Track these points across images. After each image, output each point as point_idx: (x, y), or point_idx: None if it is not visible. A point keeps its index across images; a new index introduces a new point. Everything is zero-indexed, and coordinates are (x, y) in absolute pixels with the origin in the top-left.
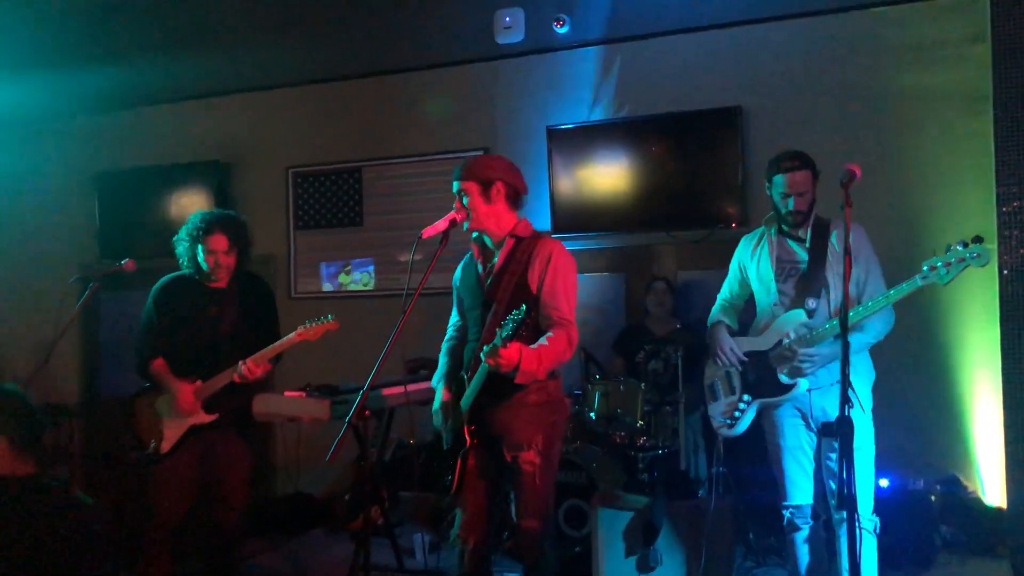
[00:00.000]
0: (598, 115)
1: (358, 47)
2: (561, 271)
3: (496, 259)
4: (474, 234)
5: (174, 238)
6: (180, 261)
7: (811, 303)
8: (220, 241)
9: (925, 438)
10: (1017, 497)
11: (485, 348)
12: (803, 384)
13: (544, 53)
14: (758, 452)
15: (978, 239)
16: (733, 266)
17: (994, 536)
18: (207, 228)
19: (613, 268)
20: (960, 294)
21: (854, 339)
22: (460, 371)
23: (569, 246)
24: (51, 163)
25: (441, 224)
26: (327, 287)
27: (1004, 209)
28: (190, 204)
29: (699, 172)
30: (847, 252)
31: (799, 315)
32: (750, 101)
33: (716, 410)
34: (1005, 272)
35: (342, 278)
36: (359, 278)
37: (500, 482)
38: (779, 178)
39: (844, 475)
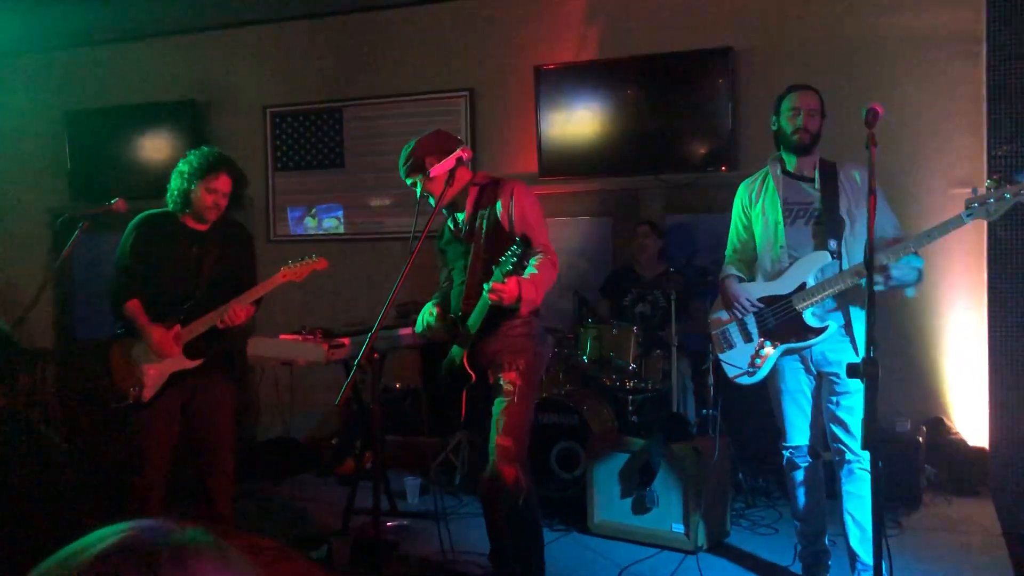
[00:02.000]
0: (586, 55)
1: None
2: (528, 203)
3: (465, 210)
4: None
5: (175, 171)
6: (171, 195)
7: (832, 244)
8: (225, 182)
9: (910, 381)
10: (999, 439)
11: (486, 286)
12: (833, 326)
13: None
14: (746, 395)
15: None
16: (735, 213)
17: (977, 477)
18: (215, 166)
19: (601, 212)
20: (946, 237)
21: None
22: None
23: (556, 189)
24: (19, 100)
25: (448, 162)
26: (296, 231)
27: (995, 153)
28: (164, 144)
29: (689, 115)
30: (872, 192)
31: (823, 257)
32: (742, 42)
33: (734, 358)
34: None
35: (308, 221)
36: (329, 224)
37: None
38: (789, 97)
39: (868, 417)
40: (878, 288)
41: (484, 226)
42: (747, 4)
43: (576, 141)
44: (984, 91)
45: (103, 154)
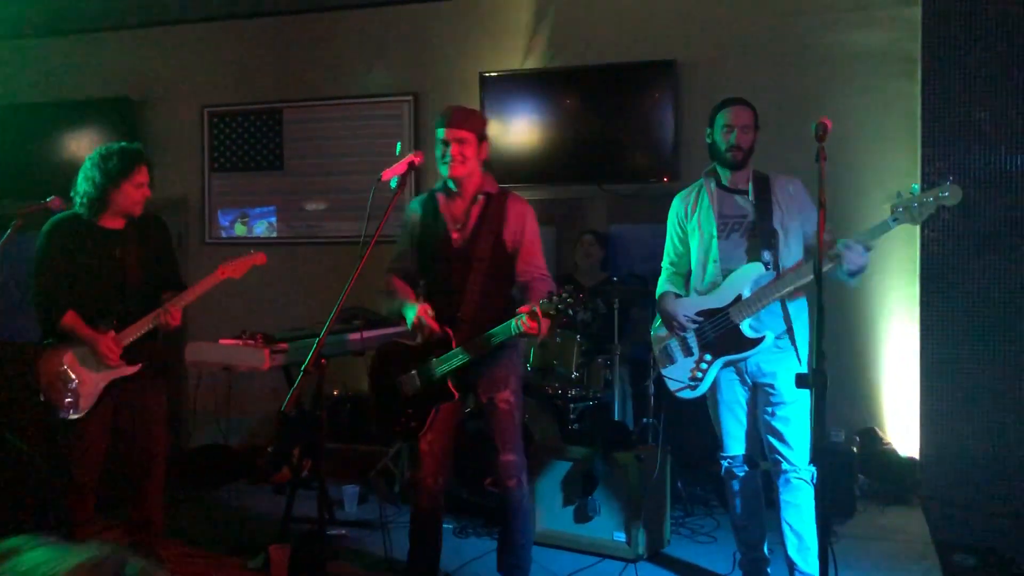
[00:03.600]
0: (532, 63)
1: None
2: (535, 229)
3: (469, 215)
4: (440, 183)
5: (83, 175)
6: (82, 199)
7: (766, 255)
8: (146, 174)
9: (844, 392)
10: (930, 449)
11: (517, 320)
12: (770, 336)
13: None
14: (685, 405)
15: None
16: (671, 226)
17: (908, 486)
18: (136, 162)
19: (544, 220)
20: (879, 251)
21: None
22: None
23: None
24: None
25: (400, 167)
26: (227, 235)
27: (928, 169)
28: (96, 142)
29: (632, 125)
30: (821, 205)
31: (756, 268)
32: (685, 55)
33: (675, 373)
34: (927, 231)
35: (237, 228)
36: (260, 230)
37: (461, 428)
38: (723, 113)
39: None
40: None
41: (492, 245)
42: (691, 18)
43: (520, 149)
44: (919, 108)
45: (31, 151)
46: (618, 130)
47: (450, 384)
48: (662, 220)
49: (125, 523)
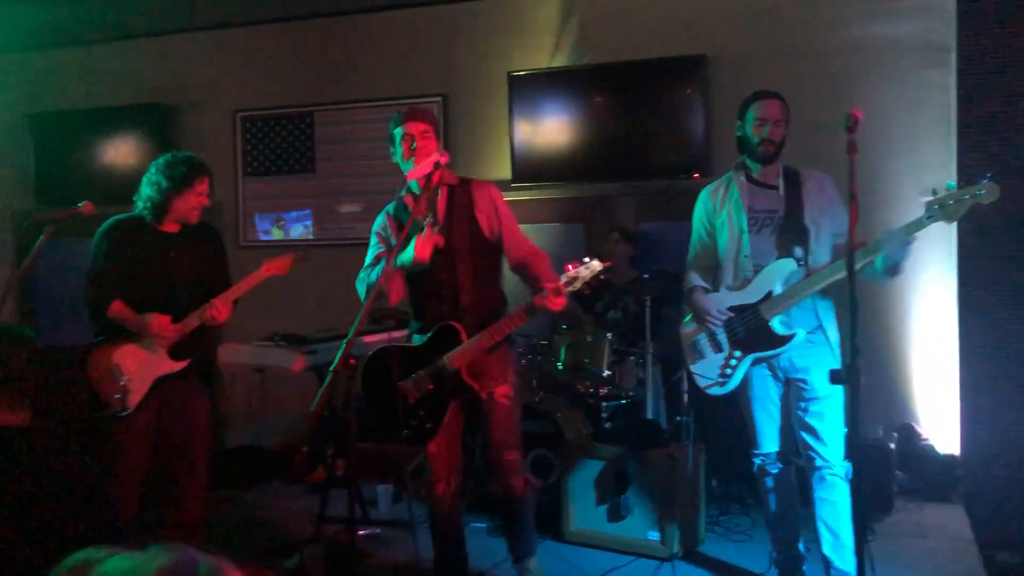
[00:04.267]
0: (560, 61)
1: None
2: (508, 210)
3: (436, 209)
4: (406, 186)
5: (148, 180)
6: (145, 203)
7: (798, 251)
8: (206, 184)
9: (880, 387)
10: (970, 445)
11: (540, 297)
12: (801, 333)
13: None
14: (718, 402)
15: (984, 176)
16: (698, 221)
17: (948, 482)
18: (200, 171)
19: (573, 218)
20: (917, 246)
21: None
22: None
23: (529, 196)
24: None
25: (426, 167)
26: (265, 239)
27: (963, 160)
28: (132, 148)
29: (662, 122)
30: (853, 197)
31: (788, 265)
32: (715, 50)
33: (704, 369)
34: (963, 221)
35: (275, 232)
36: (296, 234)
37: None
38: (754, 106)
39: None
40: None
41: (468, 235)
42: (720, 12)
43: (549, 147)
44: (954, 99)
45: (69, 158)
46: (648, 127)
47: (465, 376)
48: (692, 216)
49: (166, 523)
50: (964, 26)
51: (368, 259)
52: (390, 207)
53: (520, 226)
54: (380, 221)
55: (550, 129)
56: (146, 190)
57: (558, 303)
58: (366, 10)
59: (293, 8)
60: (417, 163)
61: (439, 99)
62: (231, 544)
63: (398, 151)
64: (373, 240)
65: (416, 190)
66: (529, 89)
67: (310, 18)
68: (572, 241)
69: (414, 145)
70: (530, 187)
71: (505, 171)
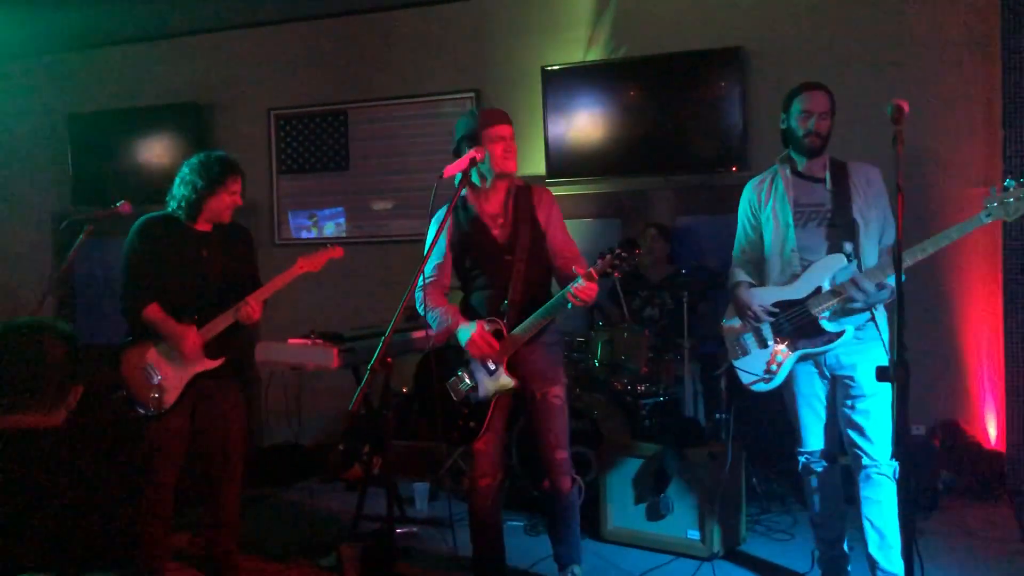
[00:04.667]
0: (594, 55)
1: None
2: (560, 214)
3: (504, 207)
4: (466, 186)
5: (181, 178)
6: (179, 203)
7: (848, 246)
8: (239, 184)
9: (926, 384)
10: (1017, 442)
11: (570, 287)
12: (850, 330)
13: None
14: (758, 400)
15: None
16: (743, 215)
17: (994, 480)
18: (233, 170)
19: (609, 214)
20: (962, 241)
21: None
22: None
23: (564, 191)
24: (22, 102)
25: (462, 163)
26: (302, 235)
27: (1009, 152)
28: (167, 147)
29: (699, 115)
30: (900, 189)
31: (839, 260)
32: (752, 42)
33: (749, 365)
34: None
35: (311, 229)
36: (329, 232)
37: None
38: (799, 98)
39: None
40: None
41: (530, 236)
42: (757, 3)
43: (584, 142)
44: (999, 91)
45: (106, 157)
46: (684, 120)
47: (505, 370)
48: (730, 211)
49: (202, 521)
50: (1008, 18)
51: (428, 268)
52: (444, 207)
53: None
54: (433, 223)
55: (584, 124)
56: (180, 190)
57: (589, 288)
58: (399, 6)
59: (326, 6)
60: (508, 167)
61: (472, 94)
62: (268, 542)
63: (488, 150)
64: (430, 236)
65: (490, 184)
66: (563, 83)
67: (343, 15)
68: (608, 236)
69: (508, 148)
70: (565, 182)
71: (539, 166)
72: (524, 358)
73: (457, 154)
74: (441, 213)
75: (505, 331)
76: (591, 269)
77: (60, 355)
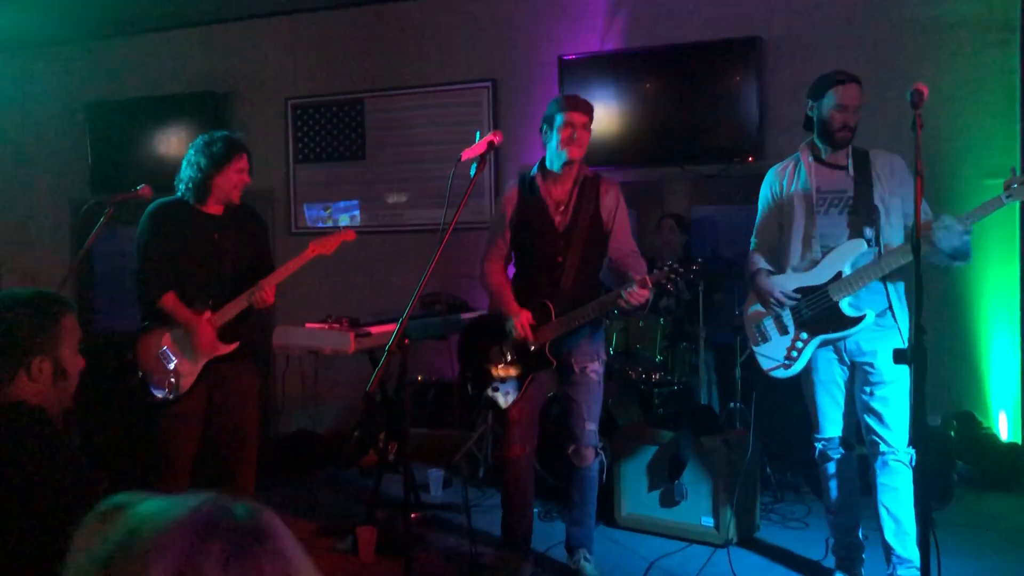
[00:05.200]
0: (611, 45)
1: None
2: (625, 209)
3: (568, 196)
4: (536, 167)
5: (188, 160)
6: (187, 185)
7: (868, 232)
8: (245, 161)
9: (941, 375)
10: None
11: (623, 290)
12: (870, 315)
13: None
14: (773, 388)
15: None
16: (763, 200)
17: (1009, 472)
18: (237, 149)
19: (627, 203)
20: (979, 230)
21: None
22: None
23: None
24: (41, 90)
25: (479, 147)
26: (315, 226)
27: None
28: (185, 136)
29: (716, 105)
30: (919, 173)
31: (859, 245)
32: (770, 31)
33: (769, 351)
34: None
35: (327, 221)
36: (345, 222)
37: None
38: (834, 91)
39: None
40: (928, 258)
41: (591, 222)
42: None
43: (600, 132)
44: (1017, 78)
45: (124, 145)
46: (701, 110)
47: (547, 351)
48: (746, 201)
49: None
50: None
51: (489, 242)
52: (515, 182)
53: None
54: (502, 198)
55: (601, 114)
56: (187, 171)
57: (641, 295)
58: None
59: None
60: (576, 155)
61: (489, 84)
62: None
63: (555, 136)
64: (500, 219)
65: (560, 170)
66: (580, 73)
67: (360, 5)
68: None
69: (575, 135)
70: None
71: None
72: (565, 338)
73: (542, 133)
74: (514, 192)
75: (553, 314)
76: (647, 276)
77: (10, 323)
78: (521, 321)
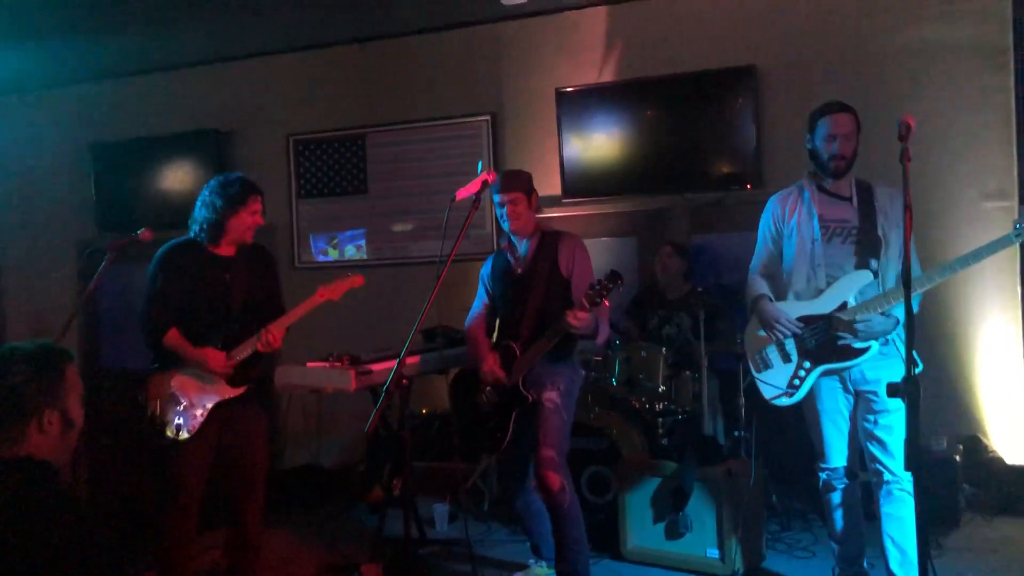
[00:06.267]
0: (608, 76)
1: (359, 10)
2: (586, 258)
3: (527, 251)
4: (504, 237)
5: (202, 201)
6: (201, 225)
7: (874, 263)
8: (260, 203)
9: (946, 399)
10: None
11: (569, 310)
12: (875, 346)
13: (551, 14)
14: (777, 416)
15: None
16: (764, 227)
17: (1016, 495)
18: (252, 191)
19: (625, 232)
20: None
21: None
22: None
23: (580, 211)
24: (45, 133)
25: (474, 186)
26: (320, 259)
27: (1023, 167)
28: (188, 174)
29: (713, 133)
30: (907, 206)
31: (865, 276)
32: (765, 60)
33: (772, 379)
34: None
35: (331, 254)
36: (351, 253)
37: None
38: (823, 121)
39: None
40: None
41: (548, 271)
42: (770, 22)
43: (599, 162)
44: (1013, 102)
45: (128, 186)
46: (699, 139)
47: (521, 387)
48: (746, 228)
49: (226, 544)
50: (1021, 28)
51: (475, 305)
52: (490, 257)
53: None
54: (484, 270)
55: (599, 144)
56: (201, 212)
57: (579, 316)
58: (413, 32)
59: (342, 33)
60: (513, 227)
61: (488, 117)
62: (291, 564)
63: (496, 212)
64: (480, 285)
65: (515, 239)
66: (577, 105)
67: (359, 42)
68: (625, 255)
69: (506, 212)
70: (580, 202)
71: (555, 187)
72: (532, 370)
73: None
74: (488, 261)
75: (518, 353)
76: (582, 298)
77: (18, 380)
78: (488, 364)
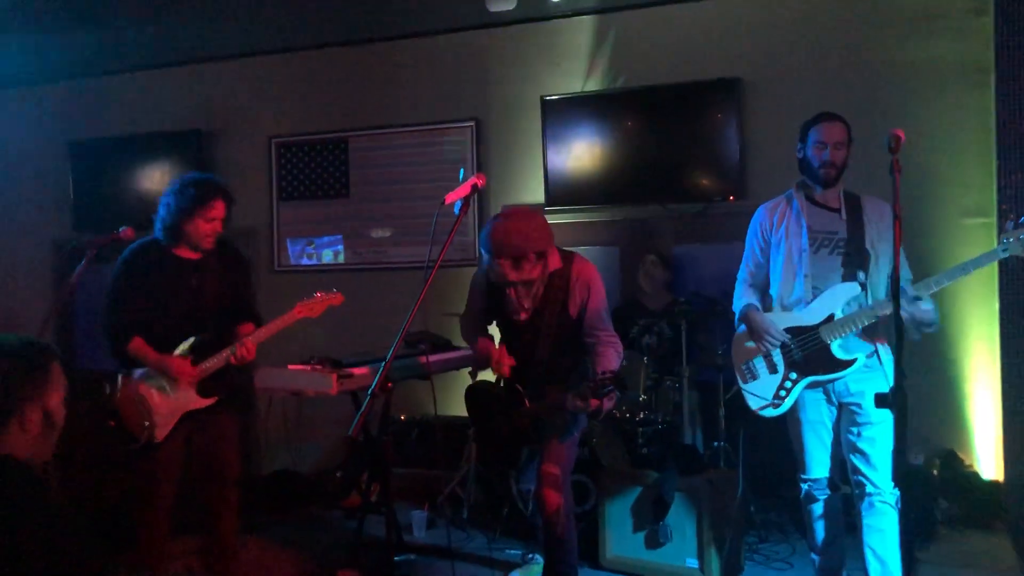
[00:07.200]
0: (594, 86)
1: (345, 13)
2: (599, 293)
3: (535, 294)
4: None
5: (163, 202)
6: (161, 228)
7: (862, 275)
8: (220, 208)
9: (923, 414)
10: (1014, 471)
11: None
12: (860, 358)
13: (537, 22)
14: (757, 427)
15: None
16: (752, 237)
17: (992, 510)
18: (211, 194)
19: (607, 242)
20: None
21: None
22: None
23: (563, 219)
24: (22, 130)
25: (463, 189)
26: (301, 263)
27: (1003, 182)
28: (168, 174)
29: (697, 145)
30: (896, 217)
31: (852, 288)
32: (749, 73)
33: (758, 389)
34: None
35: (306, 259)
36: (328, 258)
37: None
38: (815, 129)
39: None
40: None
41: (558, 315)
42: (755, 35)
43: (583, 171)
44: (993, 120)
45: (106, 184)
46: (682, 150)
47: (531, 432)
48: (728, 239)
49: (201, 549)
50: (1003, 46)
51: (467, 306)
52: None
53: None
54: (480, 278)
55: (583, 153)
56: (161, 211)
57: (577, 407)
58: (399, 36)
59: (327, 35)
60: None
61: (472, 123)
62: (266, 569)
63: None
64: (470, 292)
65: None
66: (562, 113)
67: (344, 45)
68: (607, 264)
69: (508, 276)
70: (564, 211)
71: (538, 195)
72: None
73: None
74: (481, 273)
75: (526, 402)
76: (595, 383)
77: (7, 371)
78: (496, 357)
